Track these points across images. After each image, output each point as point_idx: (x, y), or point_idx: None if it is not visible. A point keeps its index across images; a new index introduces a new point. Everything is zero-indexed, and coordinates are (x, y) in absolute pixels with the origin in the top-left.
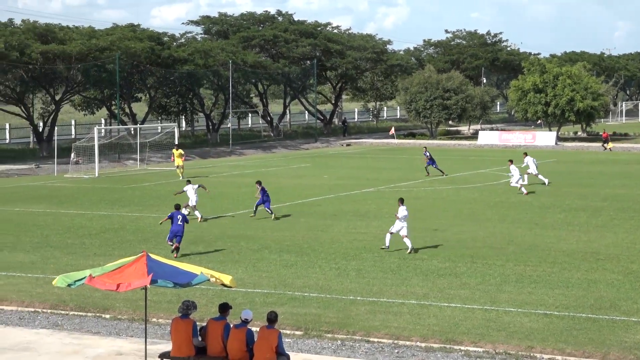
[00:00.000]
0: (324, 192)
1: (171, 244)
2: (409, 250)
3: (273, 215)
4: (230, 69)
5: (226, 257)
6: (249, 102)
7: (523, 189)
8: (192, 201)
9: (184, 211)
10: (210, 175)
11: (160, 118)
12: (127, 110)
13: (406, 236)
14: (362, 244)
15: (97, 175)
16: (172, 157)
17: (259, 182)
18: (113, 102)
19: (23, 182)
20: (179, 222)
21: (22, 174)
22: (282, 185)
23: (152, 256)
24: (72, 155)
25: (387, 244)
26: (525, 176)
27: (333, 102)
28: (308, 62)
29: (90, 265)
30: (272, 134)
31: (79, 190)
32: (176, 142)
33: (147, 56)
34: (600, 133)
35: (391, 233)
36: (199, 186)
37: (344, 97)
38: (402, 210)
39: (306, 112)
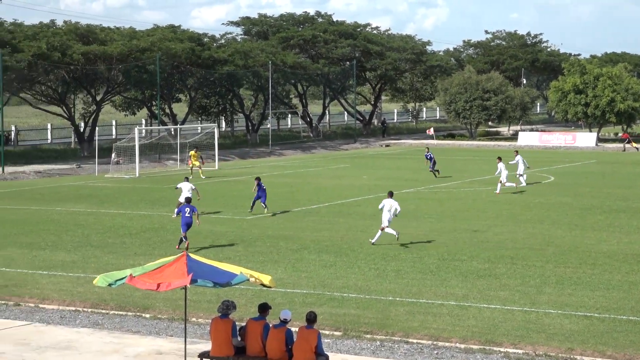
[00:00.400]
0: (363, 193)
1: (185, 239)
2: (376, 236)
3: (266, 209)
4: (270, 70)
5: (265, 257)
6: (289, 103)
7: (507, 185)
8: (182, 198)
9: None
10: (250, 176)
11: (200, 118)
12: (168, 110)
13: (387, 227)
14: (400, 244)
15: (137, 175)
16: (189, 161)
17: (257, 179)
18: (153, 103)
19: (64, 181)
20: (187, 214)
21: (64, 174)
22: (321, 186)
23: (192, 256)
24: (113, 155)
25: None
26: (522, 178)
27: (372, 102)
28: (347, 62)
29: (131, 265)
30: (311, 135)
31: (120, 190)
32: (215, 143)
33: (187, 57)
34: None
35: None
36: (194, 188)
37: (383, 97)
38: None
39: (345, 112)
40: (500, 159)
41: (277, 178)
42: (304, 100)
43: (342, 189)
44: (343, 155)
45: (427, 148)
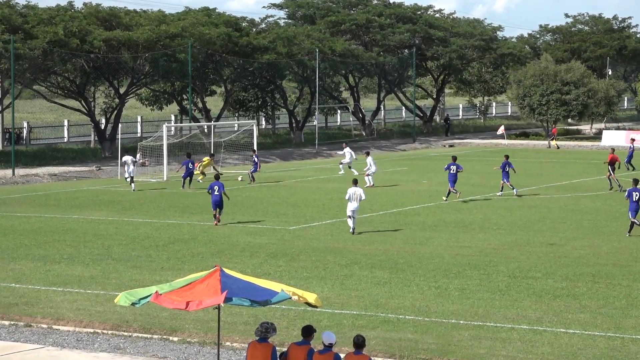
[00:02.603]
0: (423, 200)
1: (215, 217)
2: (352, 231)
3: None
4: (317, 59)
5: (310, 272)
6: (338, 97)
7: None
8: (128, 172)
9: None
10: (293, 180)
11: (237, 114)
12: (200, 105)
13: (353, 217)
14: (466, 260)
15: (165, 178)
16: (199, 165)
17: (253, 150)
18: (184, 96)
19: (82, 186)
20: (216, 193)
21: (82, 177)
22: (375, 192)
23: (227, 271)
24: (138, 155)
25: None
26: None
27: (434, 96)
28: (406, 51)
29: (157, 281)
30: (364, 133)
31: (145, 196)
32: (254, 142)
33: (223, 44)
34: None
35: (352, 217)
36: (137, 159)
37: (446, 91)
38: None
39: (403, 108)
40: (368, 153)
41: (324, 183)
42: (355, 94)
43: (398, 196)
44: (400, 157)
45: (454, 157)
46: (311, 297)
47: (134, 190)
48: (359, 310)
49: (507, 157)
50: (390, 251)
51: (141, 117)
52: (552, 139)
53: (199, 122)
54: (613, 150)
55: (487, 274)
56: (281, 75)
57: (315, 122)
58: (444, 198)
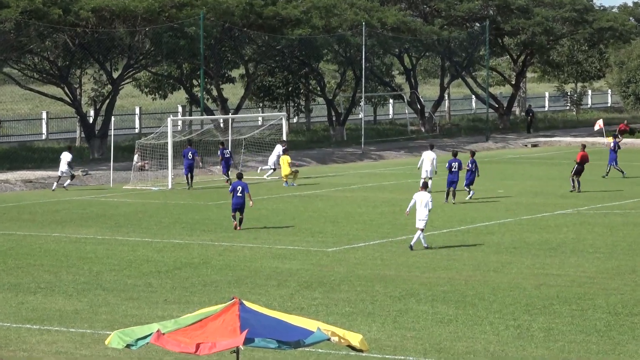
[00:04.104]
0: (499, 215)
1: (235, 219)
2: (418, 244)
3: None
4: (363, 34)
5: (354, 307)
6: (390, 83)
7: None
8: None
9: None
10: (332, 189)
11: (261, 105)
12: (215, 93)
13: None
14: (553, 292)
15: (170, 186)
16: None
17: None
18: (195, 82)
19: (65, 195)
20: (239, 194)
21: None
22: (436, 204)
23: (248, 305)
24: (136, 157)
25: (425, 244)
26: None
27: (513, 82)
28: (477, 24)
29: (159, 317)
30: (423, 129)
31: (145, 208)
32: (284, 138)
33: (243, 15)
34: None
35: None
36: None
37: (528, 75)
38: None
39: (473, 97)
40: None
41: (373, 192)
42: (412, 80)
43: (467, 209)
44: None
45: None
46: (355, 339)
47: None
48: (417, 356)
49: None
50: (456, 280)
51: (140, 108)
52: (616, 135)
53: (213, 114)
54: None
55: (581, 309)
56: (317, 55)
57: (360, 115)
58: (467, 198)
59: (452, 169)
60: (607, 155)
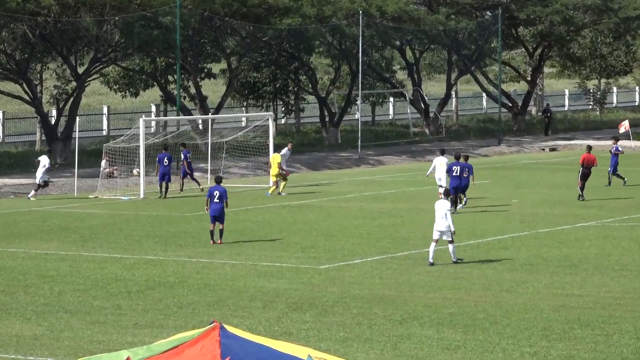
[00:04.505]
0: (512, 227)
1: (212, 236)
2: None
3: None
4: (360, 24)
5: (350, 332)
6: (390, 79)
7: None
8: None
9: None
10: (325, 198)
11: (245, 104)
12: (193, 90)
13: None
14: (574, 314)
15: (142, 195)
16: (269, 165)
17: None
18: (170, 78)
19: (24, 206)
20: (216, 200)
21: (23, 193)
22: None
23: (229, 329)
24: (103, 162)
25: (431, 260)
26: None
27: (529, 79)
28: (488, 13)
29: (129, 344)
30: (427, 131)
31: (114, 220)
32: (270, 143)
33: (225, 2)
34: None
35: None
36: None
37: (546, 71)
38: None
39: (484, 95)
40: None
41: (371, 202)
42: (415, 75)
43: (476, 222)
44: (479, 165)
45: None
46: None
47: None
48: None
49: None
50: (464, 301)
51: (108, 107)
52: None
53: (191, 114)
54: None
55: (606, 335)
56: (309, 47)
57: (357, 116)
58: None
59: (454, 173)
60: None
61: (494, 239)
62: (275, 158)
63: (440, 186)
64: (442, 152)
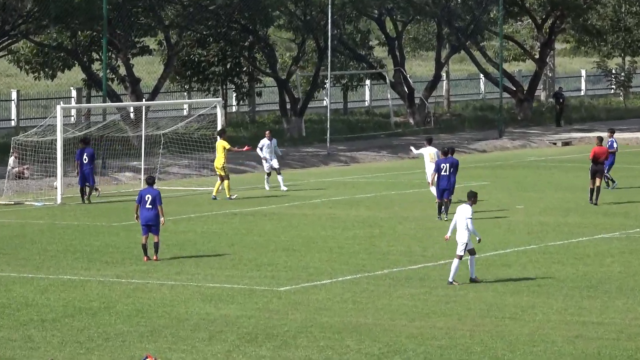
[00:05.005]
0: (517, 239)
1: (146, 251)
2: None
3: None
4: None
5: None
6: (366, 57)
7: None
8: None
9: None
10: (286, 204)
11: (188, 87)
12: (123, 71)
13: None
14: (594, 346)
15: (59, 201)
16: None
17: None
18: (95, 56)
19: None
20: (148, 205)
21: None
22: (429, 226)
23: None
24: (11, 160)
25: (451, 279)
26: None
27: (537, 56)
28: None
29: None
30: (412, 121)
31: (24, 231)
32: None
33: None
34: None
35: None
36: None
37: (558, 47)
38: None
39: (481, 77)
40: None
41: (343, 208)
42: (397, 53)
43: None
44: (476, 163)
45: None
46: None
47: None
48: None
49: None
50: (458, 331)
51: (18, 92)
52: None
53: (121, 100)
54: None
55: None
56: (266, 18)
57: (325, 102)
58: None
59: (443, 172)
60: None
61: (494, 254)
62: (220, 146)
63: (430, 184)
64: (430, 142)
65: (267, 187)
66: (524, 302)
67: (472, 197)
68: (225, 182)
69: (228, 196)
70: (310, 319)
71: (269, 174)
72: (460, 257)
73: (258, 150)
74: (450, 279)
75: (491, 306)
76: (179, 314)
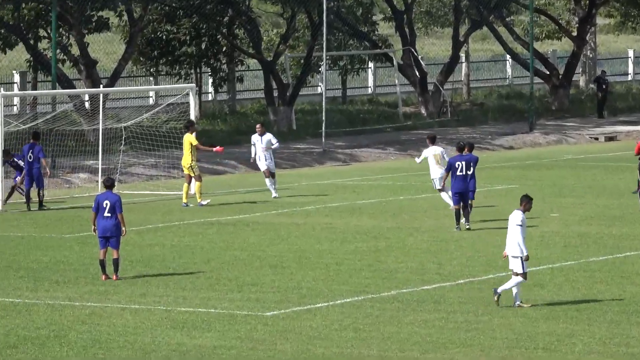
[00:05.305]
0: (552, 254)
1: (104, 269)
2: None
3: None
4: None
5: None
6: (369, 35)
7: None
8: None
9: None
10: (273, 212)
11: (155, 71)
12: (76, 51)
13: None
14: None
15: (0, 208)
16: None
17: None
18: (43, 33)
19: None
20: (107, 213)
21: None
22: (450, 237)
23: None
24: None
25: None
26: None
27: (574, 34)
28: None
29: None
30: (424, 111)
31: None
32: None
33: None
34: None
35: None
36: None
37: (600, 22)
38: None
39: (507, 58)
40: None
41: (341, 217)
42: (406, 29)
43: (496, 246)
44: (501, 163)
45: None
46: None
47: None
48: None
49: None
50: None
51: None
52: None
53: (74, 86)
54: None
55: None
56: None
57: (320, 89)
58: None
59: (458, 172)
60: None
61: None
62: (187, 140)
63: (440, 190)
64: (433, 140)
65: (274, 194)
66: (560, 329)
67: (524, 202)
68: (197, 184)
69: (199, 201)
70: (303, 350)
71: (270, 176)
72: (524, 275)
73: (252, 148)
74: (516, 303)
75: (521, 335)
76: (144, 344)
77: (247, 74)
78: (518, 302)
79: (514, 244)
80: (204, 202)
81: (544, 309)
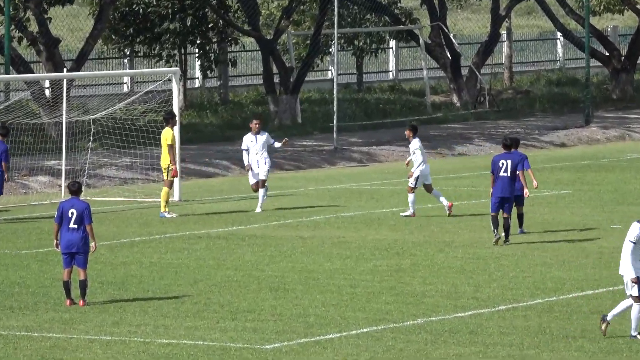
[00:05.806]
0: (615, 276)
1: (69, 292)
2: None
3: None
4: None
5: None
6: (390, 9)
7: None
8: None
9: None
10: (274, 222)
11: (130, 52)
12: (34, 28)
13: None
14: None
15: None
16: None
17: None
18: None
19: None
20: (73, 224)
21: None
22: (488, 254)
23: None
24: None
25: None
26: None
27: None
28: None
29: None
30: (457, 101)
31: None
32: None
33: None
34: None
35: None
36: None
37: None
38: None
39: (558, 36)
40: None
41: (357, 229)
42: (434, 3)
43: (547, 264)
44: (552, 163)
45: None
46: None
47: None
48: None
49: None
50: None
51: None
52: None
53: (32, 71)
54: None
55: None
56: None
57: (331, 74)
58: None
59: (502, 172)
60: None
61: (579, 296)
62: (166, 136)
63: (413, 189)
64: (415, 130)
65: (257, 209)
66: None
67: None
68: (164, 189)
69: (162, 211)
70: None
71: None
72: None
73: (244, 154)
74: (633, 332)
75: None
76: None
77: (242, 56)
78: (635, 333)
79: (628, 266)
80: (168, 215)
81: (604, 341)
